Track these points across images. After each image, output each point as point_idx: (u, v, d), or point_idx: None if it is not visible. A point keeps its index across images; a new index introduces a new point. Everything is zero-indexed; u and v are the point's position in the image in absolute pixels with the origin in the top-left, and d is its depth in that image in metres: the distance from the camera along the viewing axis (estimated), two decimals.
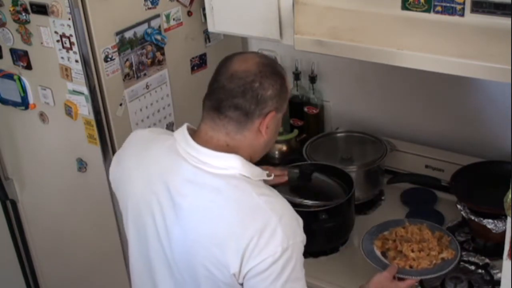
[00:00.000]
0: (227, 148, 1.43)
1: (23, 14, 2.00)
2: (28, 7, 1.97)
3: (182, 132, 1.48)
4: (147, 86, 2.11)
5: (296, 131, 2.43)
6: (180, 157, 1.45)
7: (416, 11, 1.66)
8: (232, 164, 1.42)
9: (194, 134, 1.47)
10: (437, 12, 1.63)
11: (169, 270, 1.49)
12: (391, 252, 1.79)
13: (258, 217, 1.37)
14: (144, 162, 1.51)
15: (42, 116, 2.17)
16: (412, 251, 1.76)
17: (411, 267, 1.73)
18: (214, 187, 1.41)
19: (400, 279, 1.69)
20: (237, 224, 1.38)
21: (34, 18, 1.99)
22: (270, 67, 1.45)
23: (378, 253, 1.80)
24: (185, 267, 1.45)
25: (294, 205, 1.52)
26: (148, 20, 2.05)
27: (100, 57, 1.92)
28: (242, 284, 1.41)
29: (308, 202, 1.89)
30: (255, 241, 1.35)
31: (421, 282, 1.80)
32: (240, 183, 1.41)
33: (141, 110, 2.10)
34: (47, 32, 1.98)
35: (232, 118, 1.41)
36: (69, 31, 1.91)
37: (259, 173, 1.46)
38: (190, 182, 1.43)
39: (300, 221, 1.44)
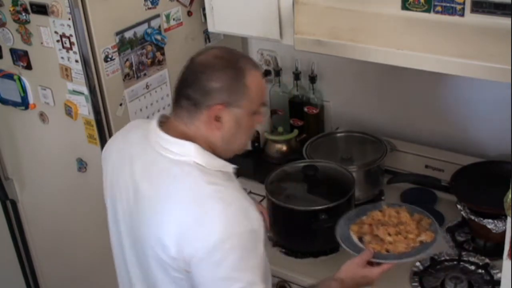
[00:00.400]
0: (185, 137, 1.47)
1: (23, 14, 2.00)
2: (28, 7, 1.97)
3: (154, 119, 1.53)
4: (147, 86, 2.11)
5: (296, 131, 2.43)
6: (147, 143, 1.51)
7: (416, 11, 1.66)
8: (187, 151, 1.45)
9: (165, 122, 1.54)
10: (437, 12, 1.63)
11: (134, 251, 1.56)
12: (367, 237, 1.71)
13: (202, 204, 1.40)
14: (123, 146, 1.58)
15: (42, 116, 2.17)
16: (389, 234, 1.68)
17: (387, 251, 1.65)
18: (170, 172, 1.45)
19: (377, 265, 1.62)
20: (180, 209, 1.42)
21: (34, 18, 1.99)
22: (225, 60, 1.46)
23: (354, 238, 1.72)
24: (142, 249, 1.50)
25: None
26: (148, 20, 2.05)
27: (100, 57, 1.92)
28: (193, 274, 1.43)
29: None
30: (195, 227, 1.38)
31: (421, 282, 1.80)
32: (192, 170, 1.44)
33: (141, 110, 2.10)
34: (47, 32, 1.98)
35: (184, 107, 1.47)
36: (69, 31, 1.91)
37: (218, 164, 1.48)
38: (151, 166, 1.49)
39: (249, 211, 1.42)
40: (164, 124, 1.51)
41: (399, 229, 1.70)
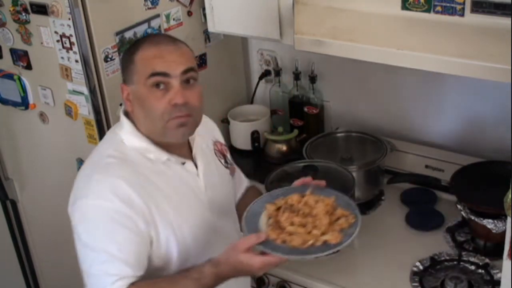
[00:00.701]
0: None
1: (23, 14, 2.00)
2: (28, 7, 1.97)
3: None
4: None
5: (296, 131, 2.43)
6: None
7: (416, 11, 1.66)
8: (121, 125, 1.55)
9: None
10: (437, 12, 1.63)
11: None
12: (271, 220, 1.51)
13: (88, 169, 1.52)
14: None
15: (42, 116, 2.17)
16: (291, 224, 1.47)
17: (284, 242, 1.44)
18: (103, 139, 1.64)
19: (264, 254, 1.41)
20: (81, 170, 1.56)
21: (34, 18, 1.99)
22: (138, 40, 1.63)
23: (263, 218, 1.52)
24: None
25: None
26: (148, 20, 2.05)
27: (100, 57, 1.92)
28: None
29: None
30: (75, 187, 1.52)
31: (421, 282, 1.80)
32: (111, 141, 1.55)
33: None
34: (47, 32, 1.98)
35: None
36: (69, 31, 1.91)
37: (138, 145, 1.52)
38: None
39: (117, 189, 1.43)
40: None
41: (306, 221, 1.48)
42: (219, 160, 1.74)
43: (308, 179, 1.64)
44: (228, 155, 1.81)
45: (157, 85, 1.46)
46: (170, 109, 1.47)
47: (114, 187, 1.43)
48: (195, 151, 1.62)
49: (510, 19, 1.49)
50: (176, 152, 1.56)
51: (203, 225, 1.59)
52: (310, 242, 1.43)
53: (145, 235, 1.46)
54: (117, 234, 1.42)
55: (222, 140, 1.83)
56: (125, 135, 1.53)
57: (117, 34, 1.96)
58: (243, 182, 1.90)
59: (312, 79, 2.40)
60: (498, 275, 1.78)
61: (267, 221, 1.51)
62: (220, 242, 1.57)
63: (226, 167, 1.76)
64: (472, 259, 1.87)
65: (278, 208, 1.54)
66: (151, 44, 1.49)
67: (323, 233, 1.45)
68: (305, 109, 2.43)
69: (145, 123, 1.51)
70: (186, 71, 1.48)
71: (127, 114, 1.56)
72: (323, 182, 1.63)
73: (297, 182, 1.64)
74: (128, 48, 1.57)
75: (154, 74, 1.46)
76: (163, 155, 1.53)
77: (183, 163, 1.58)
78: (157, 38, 1.55)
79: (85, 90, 1.97)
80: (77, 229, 1.47)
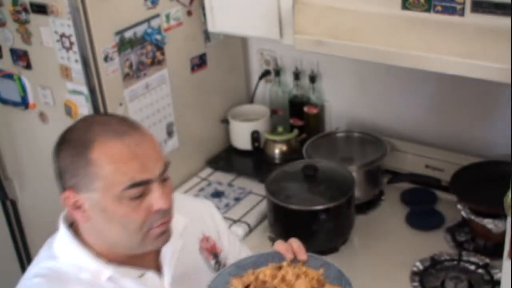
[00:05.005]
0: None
1: (23, 14, 2.00)
2: (28, 7, 1.97)
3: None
4: (147, 86, 2.11)
5: (296, 131, 2.43)
6: None
7: (416, 11, 1.66)
8: (57, 234, 1.29)
9: None
10: (437, 12, 1.63)
11: None
12: None
13: None
14: None
15: (42, 116, 2.17)
16: None
17: None
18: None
19: None
20: None
21: (34, 18, 1.99)
22: (71, 133, 1.20)
23: None
24: None
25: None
26: (148, 20, 2.05)
27: (100, 57, 1.92)
28: None
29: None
30: None
31: (421, 282, 1.80)
32: (42, 256, 1.30)
33: (141, 110, 2.10)
34: (47, 32, 1.98)
35: None
36: (69, 31, 1.91)
37: (76, 260, 1.23)
38: None
39: None
40: None
41: None
42: (206, 262, 1.39)
43: (287, 245, 1.24)
44: (223, 251, 1.44)
45: (136, 196, 1.15)
46: (152, 217, 1.17)
47: None
48: (163, 255, 1.28)
49: (510, 19, 1.49)
50: (135, 261, 1.24)
51: None
52: None
53: None
54: None
55: (220, 228, 1.48)
56: (59, 247, 1.25)
57: (117, 34, 1.96)
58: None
59: (312, 79, 2.40)
60: (498, 275, 1.78)
61: None
62: None
63: (217, 270, 1.38)
64: (472, 259, 1.86)
65: (247, 286, 1.19)
66: (111, 136, 1.14)
67: None
68: (305, 109, 2.43)
69: (110, 238, 1.20)
70: (164, 169, 1.18)
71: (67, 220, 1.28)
72: (304, 256, 1.23)
73: (276, 246, 1.26)
74: (68, 143, 1.18)
75: (134, 185, 1.13)
76: (105, 272, 1.21)
77: (141, 275, 1.25)
78: (113, 125, 1.18)
79: (85, 90, 1.97)
80: None
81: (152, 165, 1.16)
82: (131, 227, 1.17)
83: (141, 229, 1.17)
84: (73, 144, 1.17)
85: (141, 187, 1.14)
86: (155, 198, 1.16)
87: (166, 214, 1.19)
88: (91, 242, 1.23)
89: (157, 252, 1.28)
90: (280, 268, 1.21)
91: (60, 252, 1.24)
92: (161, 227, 1.19)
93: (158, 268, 1.29)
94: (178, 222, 1.29)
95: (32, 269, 1.26)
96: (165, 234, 1.21)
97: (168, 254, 1.29)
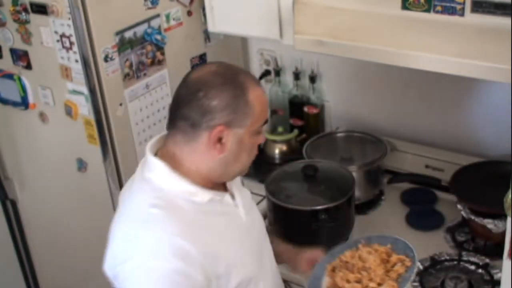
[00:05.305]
0: (173, 158, 1.39)
1: (23, 14, 2.00)
2: (28, 7, 1.97)
3: (154, 137, 1.49)
4: (147, 86, 2.11)
5: (296, 131, 2.43)
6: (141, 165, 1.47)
7: (416, 11, 1.66)
8: (155, 170, 1.39)
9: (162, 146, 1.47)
10: (437, 12, 1.63)
11: None
12: (329, 282, 1.54)
13: (132, 225, 1.35)
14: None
15: (42, 116, 2.17)
16: (348, 281, 1.49)
17: None
18: (132, 188, 1.43)
19: None
20: (117, 226, 1.39)
21: (34, 18, 1.99)
22: (223, 77, 1.35)
23: (325, 279, 1.56)
24: None
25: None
26: (148, 20, 2.05)
27: (100, 57, 1.92)
28: None
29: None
30: (119, 246, 1.35)
31: (421, 282, 1.80)
32: (146, 189, 1.38)
33: (141, 110, 2.10)
34: (47, 32, 1.98)
35: (179, 128, 1.37)
36: (69, 31, 1.91)
37: (182, 189, 1.37)
38: (130, 181, 1.48)
39: (183, 249, 1.31)
40: (160, 148, 1.45)
41: (362, 276, 1.49)
42: (241, 182, 1.64)
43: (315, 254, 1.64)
44: None
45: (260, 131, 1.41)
46: (255, 149, 1.45)
47: (169, 244, 1.30)
48: (229, 184, 1.51)
49: (510, 19, 1.49)
50: (216, 187, 1.46)
51: (251, 252, 1.52)
52: None
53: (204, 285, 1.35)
54: None
55: None
56: (163, 179, 1.38)
57: (117, 34, 1.96)
58: None
59: (312, 79, 2.40)
60: (498, 275, 1.78)
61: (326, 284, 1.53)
62: (267, 263, 1.59)
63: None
64: (472, 259, 1.86)
65: (335, 268, 1.55)
66: (256, 84, 1.39)
67: (379, 284, 1.45)
68: (305, 109, 2.43)
69: (225, 166, 1.40)
70: None
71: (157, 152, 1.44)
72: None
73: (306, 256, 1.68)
74: (229, 85, 1.35)
75: (265, 122, 1.42)
76: (206, 195, 1.40)
77: (222, 198, 1.46)
78: (248, 74, 1.43)
79: (85, 90, 1.97)
80: None
81: None
82: (251, 157, 1.43)
83: (249, 163, 1.45)
84: (233, 86, 1.34)
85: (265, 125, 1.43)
86: (262, 136, 1.45)
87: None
88: (191, 171, 1.39)
89: (223, 186, 1.50)
90: (357, 249, 1.56)
91: (163, 183, 1.37)
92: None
93: (227, 192, 1.50)
94: None
95: (140, 202, 1.37)
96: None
97: (235, 182, 1.53)
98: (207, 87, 1.33)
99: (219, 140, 1.35)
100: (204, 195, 1.40)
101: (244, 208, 1.52)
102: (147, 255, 1.30)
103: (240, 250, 1.48)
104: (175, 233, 1.31)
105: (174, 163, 1.39)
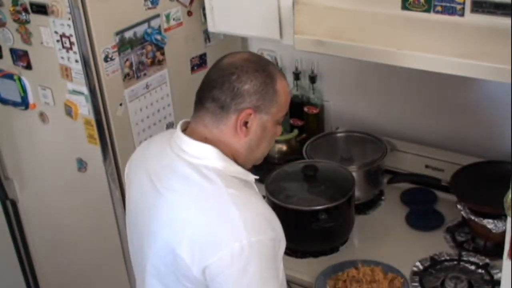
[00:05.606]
0: (206, 141, 1.42)
1: (23, 14, 2.00)
2: (28, 7, 1.97)
3: (178, 124, 1.50)
4: (147, 86, 2.11)
5: (296, 131, 2.43)
6: (167, 146, 1.47)
7: (416, 11, 1.66)
8: (207, 154, 1.41)
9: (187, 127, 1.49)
10: (437, 12, 1.63)
11: (152, 256, 1.47)
12: None
13: (218, 208, 1.35)
14: (145, 153, 1.55)
15: (42, 116, 2.17)
16: None
17: None
18: (184, 174, 1.40)
19: None
20: (194, 212, 1.36)
21: (34, 18, 1.99)
22: (255, 64, 1.42)
23: None
24: (154, 252, 1.45)
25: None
26: (148, 20, 2.05)
27: (100, 57, 1.92)
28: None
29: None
30: (211, 232, 1.33)
31: (421, 282, 1.80)
32: (209, 173, 1.39)
33: (141, 110, 2.11)
34: (47, 32, 1.98)
35: (208, 109, 1.41)
36: (69, 31, 1.91)
37: (236, 170, 1.43)
38: (166, 168, 1.44)
39: (271, 219, 1.39)
40: (186, 129, 1.47)
41: (372, 287, 1.76)
42: None
43: None
44: None
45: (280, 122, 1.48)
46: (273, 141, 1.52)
47: (265, 218, 1.37)
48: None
49: (510, 19, 1.49)
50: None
51: None
52: None
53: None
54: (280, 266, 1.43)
55: None
56: (219, 163, 1.41)
57: (117, 34, 1.96)
58: None
59: (312, 79, 2.40)
60: (498, 275, 1.78)
61: None
62: None
63: None
64: (472, 259, 1.87)
65: (336, 282, 1.80)
66: (282, 76, 1.45)
67: None
68: (305, 109, 2.43)
69: (248, 151, 1.46)
70: None
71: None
72: None
73: None
74: (261, 72, 1.41)
75: (286, 114, 1.50)
76: (253, 176, 1.48)
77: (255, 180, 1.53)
78: (275, 66, 1.51)
79: (85, 90, 1.97)
80: (241, 273, 1.33)
81: None
82: (270, 145, 1.49)
83: (268, 150, 1.51)
84: (265, 73, 1.41)
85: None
86: (280, 128, 1.49)
87: None
88: (228, 154, 1.44)
89: None
90: (357, 268, 1.83)
91: (219, 166, 1.41)
92: None
93: None
94: None
95: (215, 188, 1.38)
96: None
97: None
98: (240, 72, 1.39)
99: (245, 124, 1.41)
100: (252, 176, 1.48)
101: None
102: (252, 231, 1.32)
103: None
104: (259, 204, 1.40)
105: (219, 146, 1.43)
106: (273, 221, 1.40)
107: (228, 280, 1.33)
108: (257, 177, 1.49)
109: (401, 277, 1.80)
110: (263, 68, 1.41)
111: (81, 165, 2.16)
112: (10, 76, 2.16)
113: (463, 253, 1.88)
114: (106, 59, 1.94)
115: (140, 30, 2.02)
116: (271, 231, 1.36)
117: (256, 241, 1.31)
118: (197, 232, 1.34)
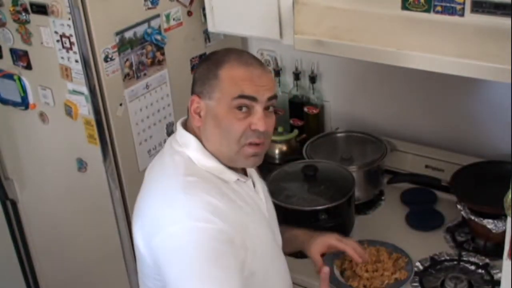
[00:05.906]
0: (197, 133, 1.47)
1: (23, 14, 2.00)
2: (28, 7, 1.98)
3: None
4: (147, 86, 2.11)
5: (296, 131, 2.43)
6: (169, 142, 1.52)
7: (416, 11, 1.66)
8: (187, 143, 1.45)
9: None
10: (437, 12, 1.63)
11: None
12: (347, 272, 1.83)
13: (166, 193, 1.38)
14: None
15: (42, 116, 2.17)
16: (366, 271, 1.80)
17: (364, 286, 1.77)
18: (164, 160, 1.47)
19: None
20: (146, 200, 1.42)
21: (34, 18, 1.99)
22: (213, 54, 1.48)
23: (337, 272, 1.83)
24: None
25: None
26: (148, 20, 2.05)
27: (100, 57, 1.92)
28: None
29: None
30: (155, 216, 1.36)
31: (421, 282, 1.80)
32: (180, 160, 1.42)
33: (141, 110, 2.10)
34: (47, 32, 1.98)
35: None
36: (69, 31, 1.91)
37: (210, 165, 1.43)
38: (158, 156, 1.52)
39: (226, 214, 1.35)
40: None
41: (377, 267, 1.82)
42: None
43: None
44: None
45: (239, 107, 1.41)
46: (249, 133, 1.42)
47: (213, 206, 1.34)
48: (249, 172, 1.58)
49: (510, 19, 1.49)
50: (238, 171, 1.51)
51: (268, 239, 1.56)
52: (386, 282, 1.77)
53: (241, 258, 1.39)
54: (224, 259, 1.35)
55: None
56: (194, 154, 1.44)
57: (117, 34, 1.96)
58: None
59: (312, 79, 2.40)
60: (498, 275, 1.78)
61: (345, 273, 1.83)
62: (279, 256, 1.62)
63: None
64: (472, 259, 1.87)
65: (342, 262, 1.85)
66: (239, 63, 1.43)
67: (392, 273, 1.80)
68: (305, 109, 2.43)
69: (215, 143, 1.44)
70: (271, 98, 1.44)
71: (185, 128, 1.50)
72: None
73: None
74: (208, 60, 1.47)
75: (242, 96, 1.40)
76: (233, 176, 1.46)
77: (246, 182, 1.52)
78: (245, 57, 1.46)
79: (85, 90, 1.97)
80: (174, 259, 1.33)
81: (262, 90, 1.41)
82: (231, 136, 1.41)
83: (238, 142, 1.42)
84: (211, 61, 1.45)
85: (247, 100, 1.40)
86: (256, 118, 1.41)
87: (261, 136, 1.43)
88: (211, 149, 1.44)
89: (244, 171, 1.55)
90: (364, 249, 1.81)
91: (194, 158, 1.43)
92: (254, 148, 1.43)
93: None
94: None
95: (173, 173, 1.41)
96: (256, 157, 1.46)
97: (253, 172, 1.59)
98: (200, 61, 1.50)
99: (197, 111, 1.44)
100: (231, 175, 1.46)
101: (264, 196, 1.60)
102: (193, 217, 1.32)
103: (262, 237, 1.51)
104: (215, 197, 1.36)
105: (201, 139, 1.46)
106: (229, 216, 1.36)
107: (166, 264, 1.34)
108: (238, 178, 1.47)
109: (405, 256, 1.85)
110: (216, 57, 1.45)
111: (81, 165, 2.16)
112: (10, 76, 2.16)
113: (463, 253, 1.88)
114: (106, 59, 1.94)
115: (140, 30, 2.02)
116: (219, 221, 1.33)
117: (194, 226, 1.31)
118: (145, 220, 1.39)
